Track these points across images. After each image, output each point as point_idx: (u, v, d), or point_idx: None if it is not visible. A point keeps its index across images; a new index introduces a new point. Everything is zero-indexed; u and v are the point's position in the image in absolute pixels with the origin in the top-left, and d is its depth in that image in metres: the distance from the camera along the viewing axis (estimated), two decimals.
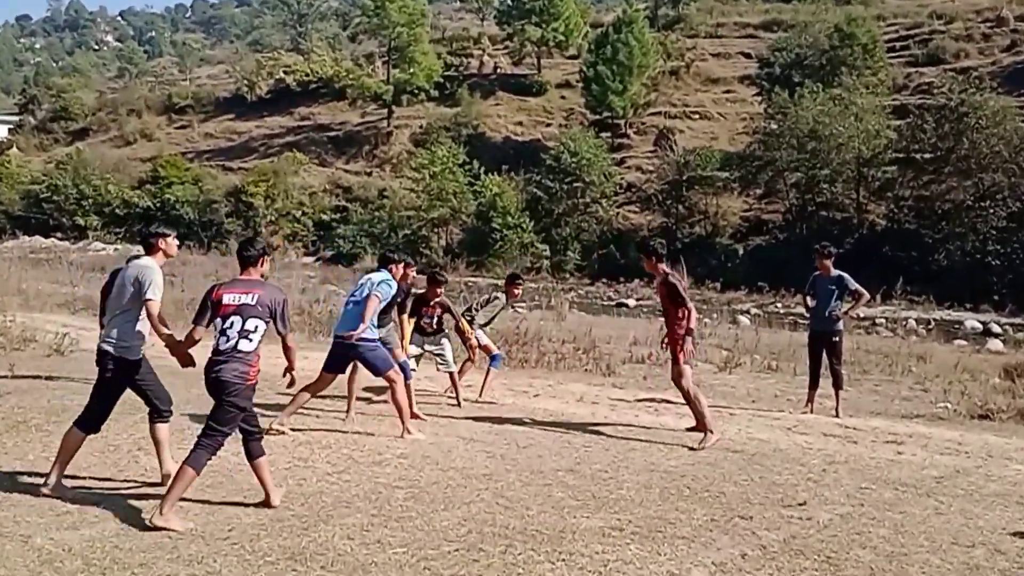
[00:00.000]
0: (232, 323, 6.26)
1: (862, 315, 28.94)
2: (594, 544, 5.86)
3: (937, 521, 6.75)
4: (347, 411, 9.65)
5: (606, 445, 8.86)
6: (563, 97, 64.29)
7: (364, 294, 8.78)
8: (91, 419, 6.71)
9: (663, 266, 9.43)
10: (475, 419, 9.87)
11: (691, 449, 8.83)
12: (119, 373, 6.69)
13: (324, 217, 54.68)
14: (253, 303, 6.31)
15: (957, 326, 29.66)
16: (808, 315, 12.12)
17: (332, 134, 65.26)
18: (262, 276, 6.59)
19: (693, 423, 9.71)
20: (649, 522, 6.38)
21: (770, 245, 44.39)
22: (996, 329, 28.58)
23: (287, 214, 54.69)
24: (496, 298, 11.61)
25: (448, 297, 11.12)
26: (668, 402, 11.94)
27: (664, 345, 9.88)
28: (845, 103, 43.53)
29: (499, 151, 56.73)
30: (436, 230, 51.32)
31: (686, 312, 9.22)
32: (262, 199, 54.11)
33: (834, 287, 11.43)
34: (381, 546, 5.68)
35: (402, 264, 9.52)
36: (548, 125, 60.85)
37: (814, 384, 11.67)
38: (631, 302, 35.86)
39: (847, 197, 44.41)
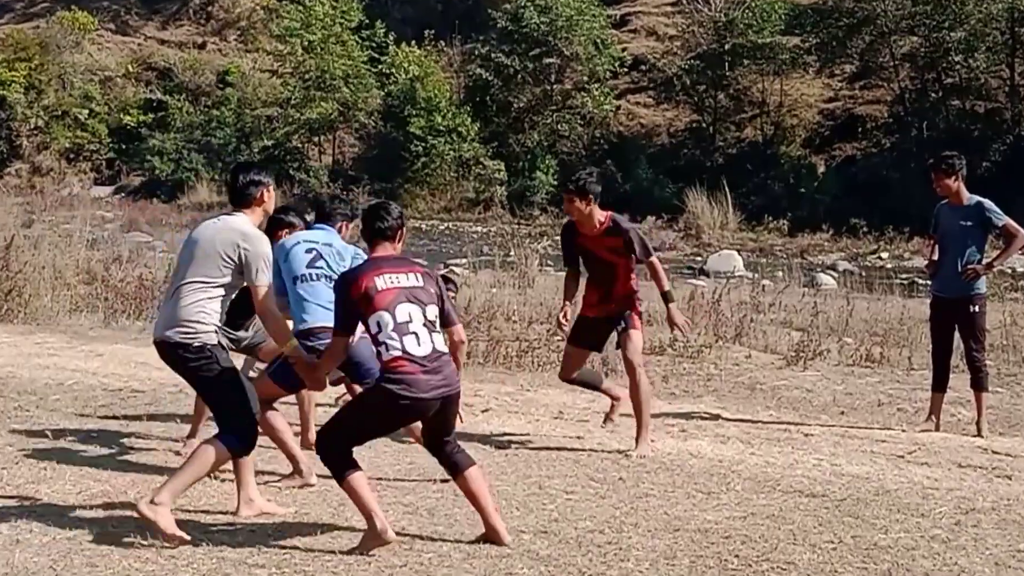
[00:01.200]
0: (410, 315, 7.10)
1: (1020, 268, 29.27)
2: None
3: None
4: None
5: (602, 490, 8.90)
6: None
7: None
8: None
9: (597, 209, 10.21)
10: (386, 449, 9.86)
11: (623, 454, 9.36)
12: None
13: (127, 120, 54.12)
14: (421, 284, 7.23)
15: None
16: (929, 272, 12.18)
17: None
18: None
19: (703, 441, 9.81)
20: None
21: (869, 157, 44.69)
22: None
23: (64, 115, 54.06)
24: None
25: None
26: (705, 417, 12.01)
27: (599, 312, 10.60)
28: None
29: (420, 6, 56.44)
30: (316, 139, 51.09)
31: (652, 270, 10.35)
32: (21, 91, 53.37)
33: (969, 224, 11.47)
34: None
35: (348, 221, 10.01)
36: None
37: (940, 384, 11.76)
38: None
39: (994, 76, 44.73)
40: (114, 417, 11.20)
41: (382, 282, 7.09)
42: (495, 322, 16.45)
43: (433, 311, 7.19)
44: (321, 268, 9.20)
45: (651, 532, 7.85)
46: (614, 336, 10.57)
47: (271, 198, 7.78)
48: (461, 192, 46.29)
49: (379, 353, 7.12)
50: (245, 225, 7.53)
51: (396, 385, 6.99)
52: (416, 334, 7.04)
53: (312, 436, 9.45)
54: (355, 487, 7.07)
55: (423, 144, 46.71)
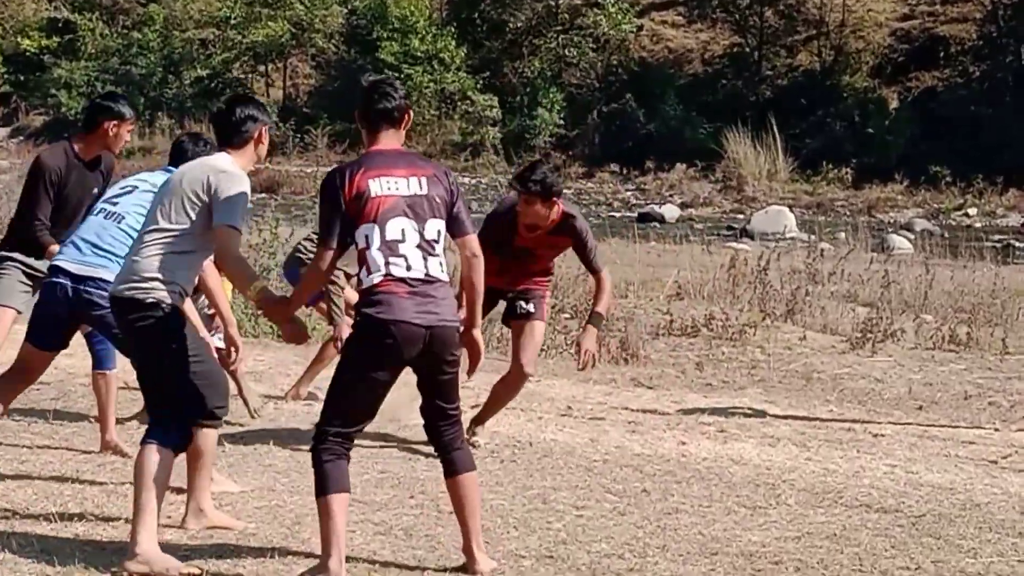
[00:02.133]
0: (403, 232, 6.95)
1: None
2: None
3: None
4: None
5: (621, 505, 8.92)
6: None
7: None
8: None
9: (557, 209, 10.15)
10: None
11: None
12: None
13: (26, 45, 54.11)
14: (425, 192, 7.07)
15: None
16: None
17: None
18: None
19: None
20: None
21: (954, 89, 44.73)
22: None
23: None
24: None
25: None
26: (750, 413, 12.04)
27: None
28: None
29: None
30: (263, 69, 51.10)
31: (597, 285, 10.42)
32: None
33: None
34: None
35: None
36: None
37: None
38: (671, 211, 36.02)
39: None
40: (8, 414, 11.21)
41: (377, 187, 6.98)
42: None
43: (435, 227, 7.07)
44: (119, 204, 9.15)
45: (683, 557, 7.84)
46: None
47: (266, 142, 7.74)
48: (445, 134, 46.39)
49: (360, 276, 7.14)
50: (226, 163, 7.46)
51: (373, 307, 6.94)
52: (405, 256, 6.95)
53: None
54: (331, 510, 6.95)
55: (396, 74, 46.60)
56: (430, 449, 9.26)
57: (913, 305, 17.57)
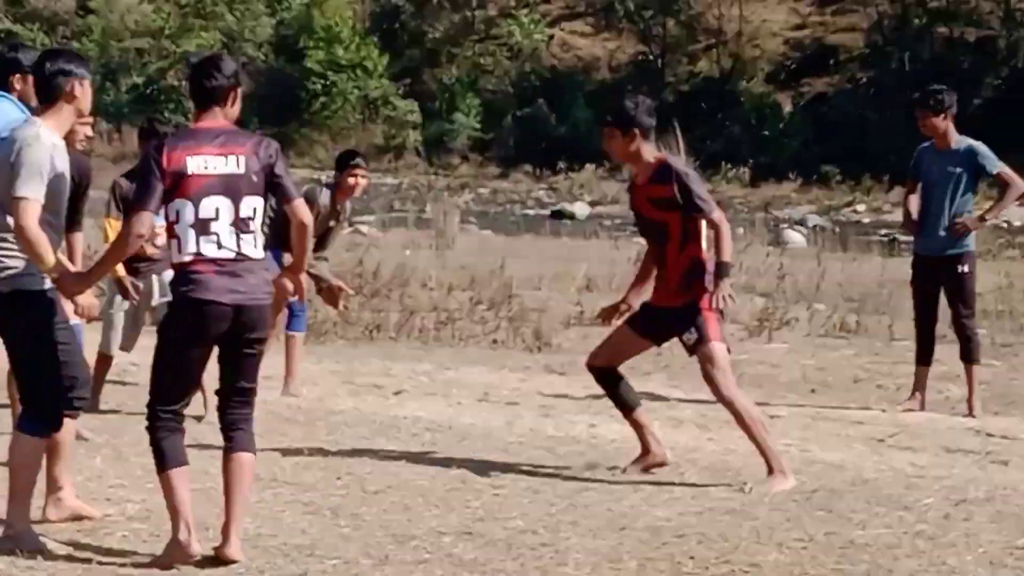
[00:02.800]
0: (218, 209, 6.80)
1: (1017, 222, 29.62)
2: None
3: None
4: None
5: (536, 484, 8.95)
6: None
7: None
8: None
9: (651, 148, 9.49)
10: (282, 438, 9.86)
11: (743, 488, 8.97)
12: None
13: None
14: (243, 172, 6.88)
15: None
16: (910, 227, 12.26)
17: None
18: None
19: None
20: None
21: (843, 94, 45.15)
22: None
23: None
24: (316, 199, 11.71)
25: None
26: (654, 398, 12.09)
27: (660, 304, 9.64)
28: None
29: None
30: None
31: (715, 229, 9.17)
32: None
33: (958, 170, 11.58)
34: None
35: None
36: None
37: (925, 357, 11.90)
38: (580, 209, 36.07)
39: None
40: None
41: (194, 165, 6.82)
42: (408, 289, 16.50)
43: (251, 205, 6.96)
44: None
45: (592, 532, 7.87)
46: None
47: (86, 94, 7.34)
48: (368, 137, 46.47)
49: (174, 248, 6.97)
50: (27, 131, 7.09)
51: (185, 287, 6.87)
52: (218, 234, 6.84)
53: None
54: (172, 484, 6.95)
55: (322, 81, 46.72)
56: (356, 432, 9.24)
57: (806, 295, 17.70)
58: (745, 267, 19.90)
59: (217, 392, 7.21)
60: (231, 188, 6.84)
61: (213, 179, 6.81)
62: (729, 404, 9.13)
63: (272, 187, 7.02)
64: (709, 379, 9.19)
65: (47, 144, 7.03)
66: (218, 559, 6.88)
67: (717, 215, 9.12)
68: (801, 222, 32.08)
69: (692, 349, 9.22)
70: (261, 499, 8.37)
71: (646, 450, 9.45)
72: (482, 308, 15.97)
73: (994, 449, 10.41)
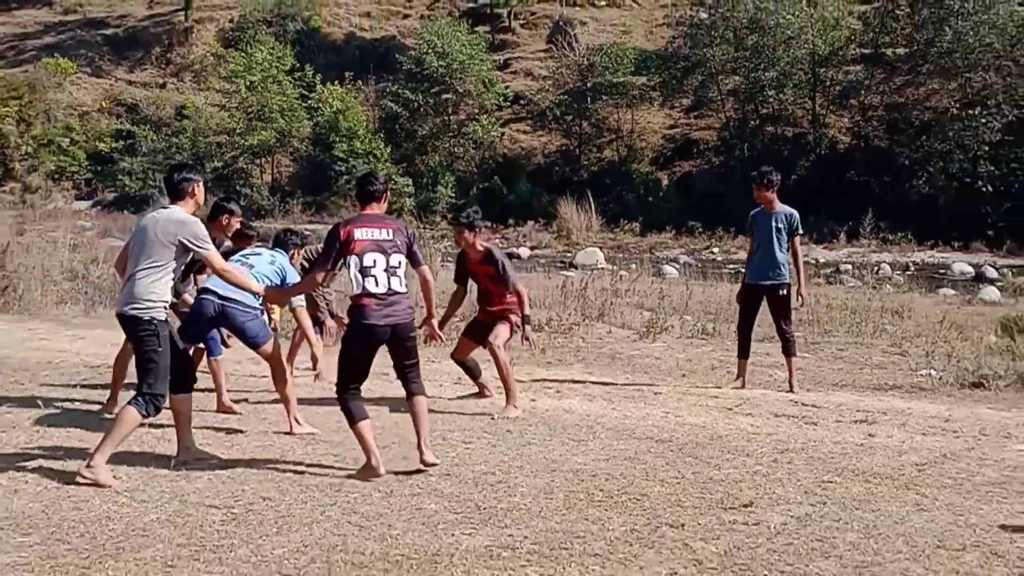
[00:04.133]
0: (375, 261, 7.69)
1: (821, 259, 29.73)
2: (479, 569, 5.90)
3: (918, 520, 7.00)
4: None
5: (493, 439, 8.95)
6: None
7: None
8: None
9: (479, 240, 10.46)
10: (313, 406, 9.83)
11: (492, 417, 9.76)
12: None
13: (102, 147, 53.19)
14: (390, 238, 7.80)
15: (943, 271, 30.64)
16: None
17: (108, 32, 63.40)
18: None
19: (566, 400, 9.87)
20: (551, 537, 6.46)
21: (702, 173, 45.12)
22: (991, 274, 29.28)
23: (50, 143, 53.07)
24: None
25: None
26: (575, 382, 12.07)
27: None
28: None
29: (341, 53, 56.14)
30: (258, 161, 50.66)
31: (517, 295, 10.40)
32: (13, 124, 52.36)
33: (780, 227, 11.69)
34: None
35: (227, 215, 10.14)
36: (406, 17, 60.40)
37: (745, 352, 12.01)
38: (524, 252, 36.01)
39: (799, 107, 45.47)
40: (93, 387, 11.03)
41: (360, 233, 7.70)
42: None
43: (397, 259, 7.74)
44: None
45: (533, 472, 7.93)
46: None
47: (201, 192, 7.94)
48: None
49: (352, 286, 7.69)
50: (180, 214, 7.69)
51: (356, 313, 7.64)
52: (375, 277, 7.61)
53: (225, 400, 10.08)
54: (361, 433, 7.66)
55: (345, 164, 46.36)
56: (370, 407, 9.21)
57: (679, 309, 17.71)
58: (637, 291, 19.98)
59: (396, 368, 8.01)
60: (384, 248, 7.75)
61: (372, 242, 7.72)
62: (502, 367, 10.23)
63: (409, 255, 7.92)
64: (494, 356, 10.28)
65: (194, 220, 7.74)
66: (418, 467, 7.79)
67: (519, 288, 10.40)
68: (675, 260, 31.96)
69: (487, 342, 10.36)
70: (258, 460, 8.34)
71: (482, 393, 11.04)
72: (456, 320, 15.90)
73: (807, 414, 10.46)
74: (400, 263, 7.79)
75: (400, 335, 7.76)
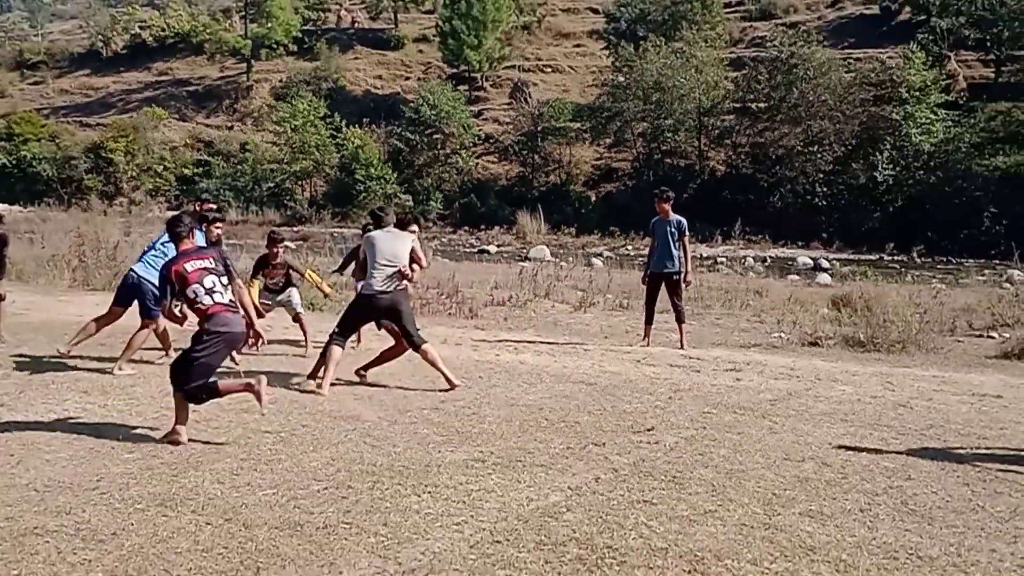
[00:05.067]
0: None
1: (705, 255, 29.84)
2: (458, 476, 5.91)
3: (771, 440, 7.06)
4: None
5: (469, 383, 8.90)
6: (421, 51, 63.40)
7: None
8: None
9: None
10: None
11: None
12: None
13: (186, 171, 52.84)
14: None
15: (790, 263, 30.91)
16: (649, 258, 12.38)
17: (191, 89, 62.76)
18: None
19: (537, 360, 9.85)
20: (510, 453, 6.47)
21: (620, 192, 45.19)
22: (825, 264, 29.88)
23: (148, 169, 52.64)
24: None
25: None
26: (528, 342, 12.09)
27: None
28: (686, 56, 44.41)
29: (360, 104, 55.80)
30: (300, 182, 50.34)
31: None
32: (122, 155, 51.89)
33: (673, 231, 11.77)
34: (251, 488, 5.59)
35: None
36: (407, 79, 59.99)
37: (650, 320, 12.03)
38: (492, 248, 35.99)
39: (689, 145, 45.56)
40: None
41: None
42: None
43: (223, 280, 6.58)
44: None
45: (497, 407, 7.90)
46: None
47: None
48: None
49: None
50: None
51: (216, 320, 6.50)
52: (220, 292, 6.57)
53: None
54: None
55: (363, 184, 46.25)
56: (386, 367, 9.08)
57: (602, 290, 17.75)
58: (573, 277, 19.96)
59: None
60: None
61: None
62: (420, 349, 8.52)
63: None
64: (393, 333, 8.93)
65: None
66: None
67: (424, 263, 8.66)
68: (600, 255, 32.02)
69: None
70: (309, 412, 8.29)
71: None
72: (443, 297, 15.88)
73: (693, 365, 10.50)
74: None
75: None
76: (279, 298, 10.66)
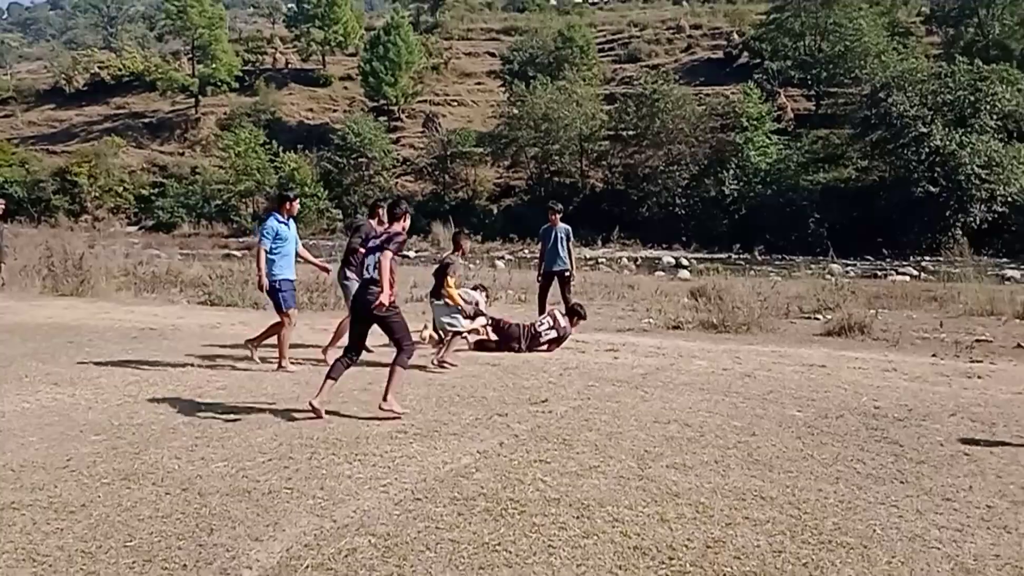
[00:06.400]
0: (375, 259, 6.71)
1: (588, 256, 30.14)
2: (384, 445, 5.86)
3: (643, 406, 7.18)
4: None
5: (459, 363, 8.90)
6: (346, 88, 62.55)
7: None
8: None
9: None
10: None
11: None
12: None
13: (144, 192, 50.98)
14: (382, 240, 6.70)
15: (657, 261, 31.37)
16: (540, 259, 12.46)
17: (146, 120, 60.62)
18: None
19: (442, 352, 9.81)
20: (428, 424, 6.44)
21: (518, 205, 45.38)
22: (684, 262, 30.24)
23: (110, 190, 50.70)
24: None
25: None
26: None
27: None
28: (568, 92, 45.08)
29: (294, 133, 54.70)
30: (244, 200, 49.08)
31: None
32: (86, 178, 49.96)
33: (562, 237, 11.90)
34: (205, 462, 5.45)
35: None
36: (335, 111, 59.07)
37: (542, 312, 12.07)
38: (411, 254, 35.68)
39: (573, 166, 46.04)
40: (140, 341, 10.56)
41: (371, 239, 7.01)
42: (337, 289, 16.08)
43: (376, 256, 6.65)
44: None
45: (417, 387, 7.78)
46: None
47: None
48: (320, 225, 45.26)
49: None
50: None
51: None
52: (370, 265, 6.73)
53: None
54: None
55: (300, 201, 45.36)
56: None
57: (504, 286, 17.78)
58: (479, 276, 19.90)
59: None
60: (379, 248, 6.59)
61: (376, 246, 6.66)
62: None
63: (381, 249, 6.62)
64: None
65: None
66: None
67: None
68: (502, 257, 32.06)
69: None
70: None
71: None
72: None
73: (579, 347, 10.58)
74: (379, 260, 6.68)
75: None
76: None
